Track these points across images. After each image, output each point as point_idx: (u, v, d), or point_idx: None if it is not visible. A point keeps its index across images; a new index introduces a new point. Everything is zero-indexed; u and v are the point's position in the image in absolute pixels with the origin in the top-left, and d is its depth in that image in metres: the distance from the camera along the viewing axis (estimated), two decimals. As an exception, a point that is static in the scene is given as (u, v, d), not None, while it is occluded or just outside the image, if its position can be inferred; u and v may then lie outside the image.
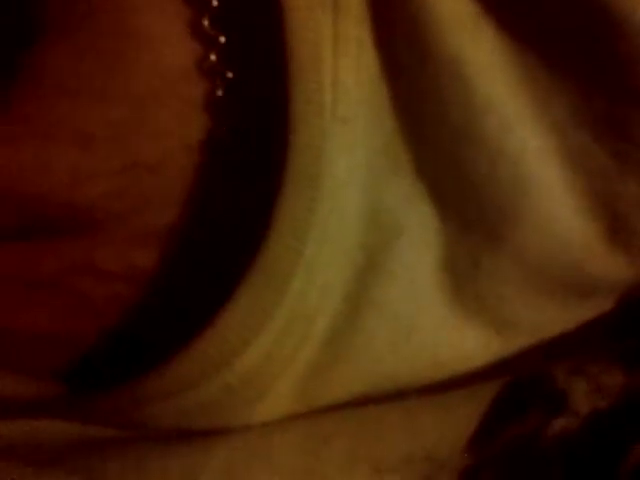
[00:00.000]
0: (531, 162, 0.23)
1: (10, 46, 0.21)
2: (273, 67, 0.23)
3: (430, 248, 0.25)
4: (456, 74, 0.22)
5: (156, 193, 0.23)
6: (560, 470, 0.23)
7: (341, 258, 0.24)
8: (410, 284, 0.25)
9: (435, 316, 0.25)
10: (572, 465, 0.23)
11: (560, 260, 0.24)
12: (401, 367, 0.26)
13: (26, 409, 0.26)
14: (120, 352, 0.25)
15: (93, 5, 0.22)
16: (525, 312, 0.25)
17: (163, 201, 0.23)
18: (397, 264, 0.25)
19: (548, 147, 0.23)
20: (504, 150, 0.23)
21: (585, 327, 0.25)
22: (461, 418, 0.25)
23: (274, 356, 0.24)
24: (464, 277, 0.25)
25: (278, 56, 0.22)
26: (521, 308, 0.25)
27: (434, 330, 0.25)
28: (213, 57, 0.23)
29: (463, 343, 0.25)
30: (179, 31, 0.22)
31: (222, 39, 0.23)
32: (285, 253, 0.23)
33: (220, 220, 0.24)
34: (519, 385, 0.25)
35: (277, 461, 0.25)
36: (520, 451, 0.24)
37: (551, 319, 0.25)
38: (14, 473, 0.24)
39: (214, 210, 0.24)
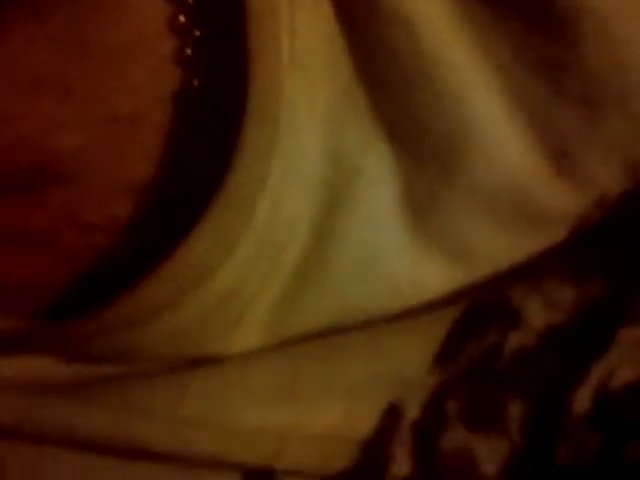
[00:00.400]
0: (476, 100, 0.24)
1: None
2: (235, 22, 0.24)
3: (388, 184, 0.26)
4: (402, 21, 0.23)
5: (130, 145, 0.24)
6: (521, 387, 0.24)
7: (306, 192, 0.25)
8: (371, 219, 0.26)
9: (396, 248, 0.26)
10: (531, 380, 0.25)
11: (509, 190, 0.25)
12: (365, 297, 0.27)
13: (9, 346, 0.27)
14: (93, 296, 0.26)
15: None
16: (481, 242, 0.26)
17: (137, 153, 0.25)
18: (358, 200, 0.26)
19: (492, 86, 0.24)
20: (450, 91, 0.24)
21: (539, 256, 0.26)
22: (425, 340, 0.26)
23: (247, 279, 0.26)
24: (422, 210, 0.26)
25: (236, 10, 0.24)
26: (477, 238, 0.26)
27: (395, 261, 0.26)
28: (182, 18, 0.24)
29: (423, 273, 0.26)
30: None
31: (190, 0, 0.24)
32: (248, 180, 0.24)
33: (192, 167, 0.25)
34: (478, 307, 0.26)
35: (254, 388, 0.27)
36: (482, 367, 0.25)
37: (506, 249, 0.26)
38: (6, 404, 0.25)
39: (186, 159, 0.25)
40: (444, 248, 0.26)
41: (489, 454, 0.24)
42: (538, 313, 0.25)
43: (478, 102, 0.24)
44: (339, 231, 0.26)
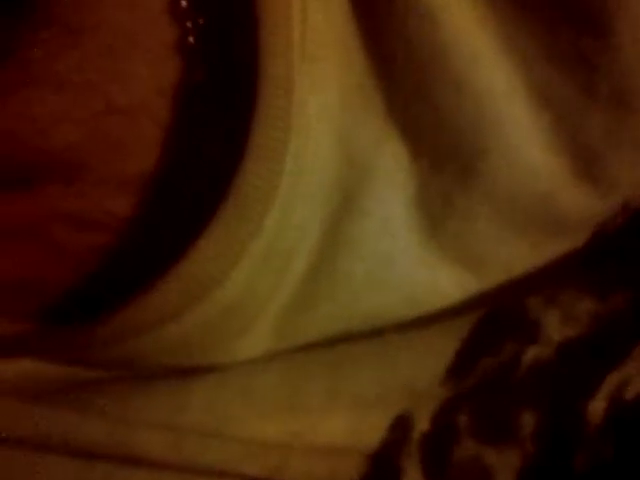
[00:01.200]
0: (497, 96, 0.23)
1: None
2: (242, 10, 0.23)
3: (403, 187, 0.25)
4: (422, 10, 0.23)
5: (130, 139, 0.23)
6: (535, 398, 0.24)
7: (317, 196, 0.24)
8: (385, 223, 0.25)
9: (410, 254, 0.25)
10: (545, 390, 0.24)
11: (529, 194, 0.24)
12: (377, 305, 0.26)
13: (8, 350, 0.26)
14: (96, 297, 0.25)
15: None
16: (498, 249, 0.25)
17: (138, 147, 0.23)
18: (372, 203, 0.25)
19: (515, 82, 0.23)
20: (470, 84, 0.23)
21: (557, 263, 0.26)
22: (437, 351, 0.26)
23: (253, 291, 0.25)
24: (437, 215, 0.25)
25: (248, 1, 0.23)
26: (494, 245, 0.25)
27: (409, 268, 0.26)
28: (184, 3, 0.23)
29: (437, 280, 0.26)
30: None
31: None
32: (259, 184, 0.23)
33: (196, 165, 0.24)
34: (494, 317, 0.26)
35: (258, 398, 0.26)
36: (497, 381, 0.24)
37: (524, 256, 0.26)
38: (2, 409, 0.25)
39: (190, 155, 0.24)
40: (459, 255, 0.25)
41: (502, 465, 0.23)
42: (557, 327, 0.24)
43: (500, 98, 0.23)
44: (351, 233, 0.25)
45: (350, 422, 0.25)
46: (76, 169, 0.23)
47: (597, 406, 0.23)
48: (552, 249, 0.26)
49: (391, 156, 0.25)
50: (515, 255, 0.26)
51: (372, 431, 0.25)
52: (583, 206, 0.25)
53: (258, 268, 0.24)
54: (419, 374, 0.25)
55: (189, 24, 0.23)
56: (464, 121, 0.24)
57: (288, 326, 0.26)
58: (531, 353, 0.25)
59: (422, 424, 0.24)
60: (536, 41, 0.23)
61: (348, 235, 0.25)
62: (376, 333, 0.27)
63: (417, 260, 0.26)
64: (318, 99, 0.23)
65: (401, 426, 0.25)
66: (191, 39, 0.23)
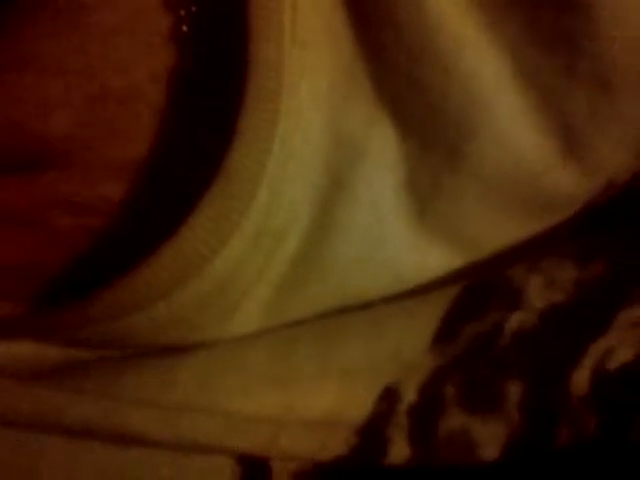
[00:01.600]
0: (484, 79, 0.23)
1: None
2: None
3: (392, 169, 0.25)
4: None
5: (124, 124, 0.24)
6: (520, 367, 0.24)
7: (306, 178, 0.25)
8: (374, 205, 0.25)
9: (399, 237, 0.26)
10: (530, 360, 0.24)
11: (516, 175, 0.25)
12: (366, 283, 0.27)
13: (4, 332, 0.27)
14: (89, 280, 0.25)
15: None
16: (485, 229, 0.26)
17: (131, 132, 0.24)
18: (361, 185, 0.25)
19: (501, 64, 0.23)
20: (457, 68, 0.23)
21: (541, 235, 0.26)
22: (424, 319, 0.26)
23: (243, 269, 0.25)
24: (426, 197, 0.25)
25: None
26: (481, 225, 0.26)
27: (398, 250, 0.26)
28: None
29: (426, 260, 0.26)
30: None
31: None
32: (248, 164, 0.23)
33: (188, 149, 0.24)
34: (477, 286, 0.26)
35: (248, 371, 0.26)
36: (482, 348, 0.25)
37: (509, 232, 0.26)
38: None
39: (182, 140, 0.24)
40: (448, 235, 0.26)
41: (488, 437, 0.24)
42: (540, 293, 0.25)
43: (487, 81, 0.23)
44: (341, 216, 0.25)
45: (339, 394, 0.25)
46: (72, 154, 0.24)
47: (580, 376, 0.23)
48: (537, 225, 0.26)
49: (380, 139, 0.25)
50: (501, 232, 0.26)
51: (361, 403, 0.25)
52: (570, 185, 0.25)
53: (248, 247, 0.25)
54: (406, 343, 0.26)
55: (182, 12, 0.23)
56: (452, 104, 0.24)
57: (278, 305, 0.27)
58: (514, 320, 0.25)
59: (410, 395, 0.25)
60: (520, 23, 0.23)
61: (338, 218, 0.26)
62: (365, 306, 0.27)
63: (406, 242, 0.26)
64: (308, 81, 0.24)
65: (389, 397, 0.25)
66: (184, 27, 0.23)
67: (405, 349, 0.26)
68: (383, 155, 0.25)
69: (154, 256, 0.24)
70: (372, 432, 0.25)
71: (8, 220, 0.25)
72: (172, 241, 0.24)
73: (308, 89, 0.24)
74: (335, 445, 0.25)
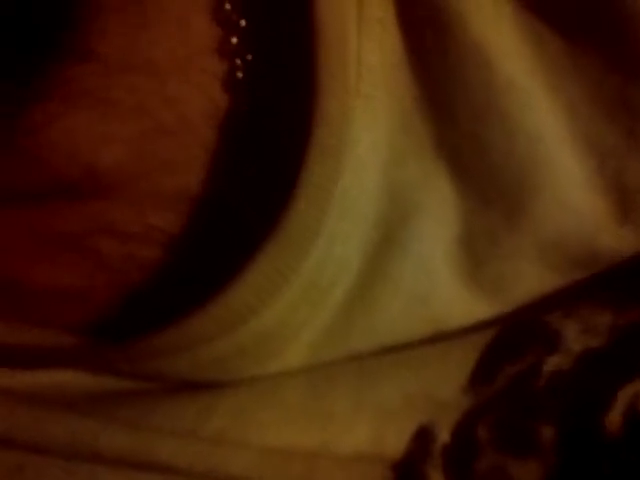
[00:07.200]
0: (547, 140, 0.24)
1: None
2: (296, 49, 0.24)
3: (448, 225, 0.25)
4: (479, 57, 0.23)
5: (174, 156, 0.24)
6: (554, 411, 0.24)
7: (359, 232, 0.25)
8: (425, 260, 0.26)
9: (449, 292, 0.26)
10: (564, 403, 0.24)
11: (574, 235, 0.25)
12: (409, 333, 0.27)
13: (46, 360, 0.27)
14: (137, 310, 0.26)
15: None
16: (535, 285, 0.26)
17: (181, 164, 0.24)
18: (413, 240, 0.25)
19: (562, 126, 0.24)
20: (522, 128, 0.24)
21: (579, 284, 0.26)
22: (460, 361, 0.26)
23: (288, 321, 0.25)
24: (481, 254, 0.26)
25: (302, 38, 0.23)
26: (532, 282, 0.26)
27: (447, 304, 0.26)
28: (234, 40, 0.24)
29: (471, 312, 0.26)
30: (201, 12, 0.23)
31: (243, 23, 0.24)
32: (307, 221, 0.24)
33: (242, 187, 0.25)
34: (514, 329, 0.26)
35: (286, 405, 0.26)
36: (517, 390, 0.25)
37: (552, 285, 0.26)
38: (32, 417, 0.25)
39: (234, 180, 0.24)
40: (498, 290, 0.26)
41: (526, 475, 0.24)
42: (577, 338, 0.25)
43: (551, 141, 0.24)
44: (390, 271, 0.26)
45: (374, 431, 0.25)
46: (122, 184, 0.24)
47: (613, 419, 0.23)
48: (580, 276, 0.26)
49: (436, 194, 0.25)
50: (545, 285, 0.26)
51: (395, 441, 0.25)
52: (622, 247, 0.25)
53: (296, 300, 0.25)
54: (442, 383, 0.26)
55: (238, 61, 0.23)
56: (515, 163, 0.24)
57: (320, 349, 0.27)
58: (552, 363, 0.25)
59: (443, 435, 0.25)
60: (584, 86, 0.24)
61: (387, 271, 0.26)
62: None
63: (454, 297, 0.26)
64: (368, 138, 0.24)
65: (423, 437, 0.25)
66: (239, 74, 0.24)
67: (440, 389, 0.26)
68: (438, 210, 0.25)
69: (205, 305, 0.25)
70: (409, 467, 0.24)
71: (58, 244, 0.25)
72: (224, 292, 0.24)
73: (367, 144, 0.24)
74: None
